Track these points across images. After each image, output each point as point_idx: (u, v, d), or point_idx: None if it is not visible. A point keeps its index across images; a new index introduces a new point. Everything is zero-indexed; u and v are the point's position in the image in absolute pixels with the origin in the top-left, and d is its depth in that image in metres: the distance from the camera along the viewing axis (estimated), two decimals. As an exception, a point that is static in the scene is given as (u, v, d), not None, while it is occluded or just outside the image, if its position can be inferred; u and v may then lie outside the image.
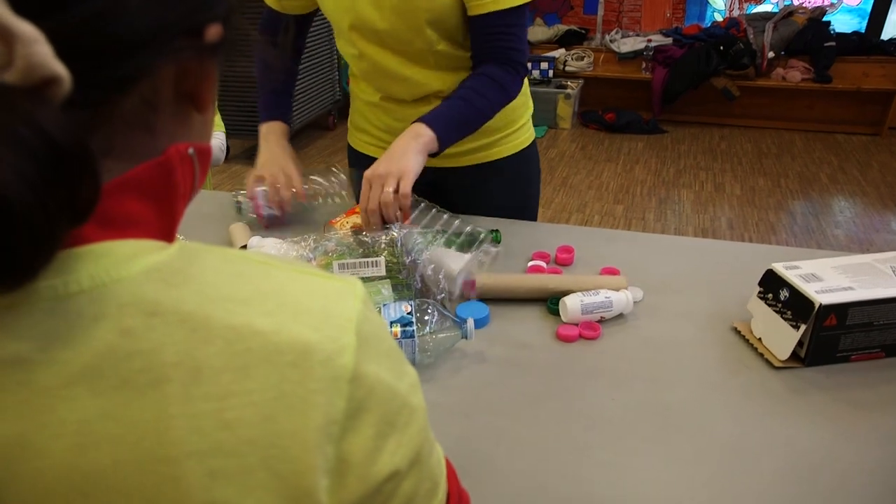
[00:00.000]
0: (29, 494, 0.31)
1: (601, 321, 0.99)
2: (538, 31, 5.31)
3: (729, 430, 0.78)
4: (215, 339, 0.34)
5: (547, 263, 1.16)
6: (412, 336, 0.83)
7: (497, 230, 1.19)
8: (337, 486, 0.35)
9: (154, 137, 0.38)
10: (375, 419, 0.37)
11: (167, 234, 0.38)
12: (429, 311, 0.86)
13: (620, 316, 1.01)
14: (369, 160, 1.39)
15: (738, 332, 0.96)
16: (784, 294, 0.90)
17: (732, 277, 1.12)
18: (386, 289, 0.93)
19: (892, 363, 0.89)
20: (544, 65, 5.03)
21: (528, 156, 1.40)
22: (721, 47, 4.60)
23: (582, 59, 5.09)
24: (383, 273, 0.96)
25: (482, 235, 1.07)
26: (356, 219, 1.18)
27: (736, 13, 5.08)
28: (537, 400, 0.83)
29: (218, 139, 1.91)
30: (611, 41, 5.08)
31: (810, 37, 4.59)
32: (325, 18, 1.30)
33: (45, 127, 0.28)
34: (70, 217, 0.30)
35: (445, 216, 1.18)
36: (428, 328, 0.84)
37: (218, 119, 1.93)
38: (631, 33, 5.11)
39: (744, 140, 4.62)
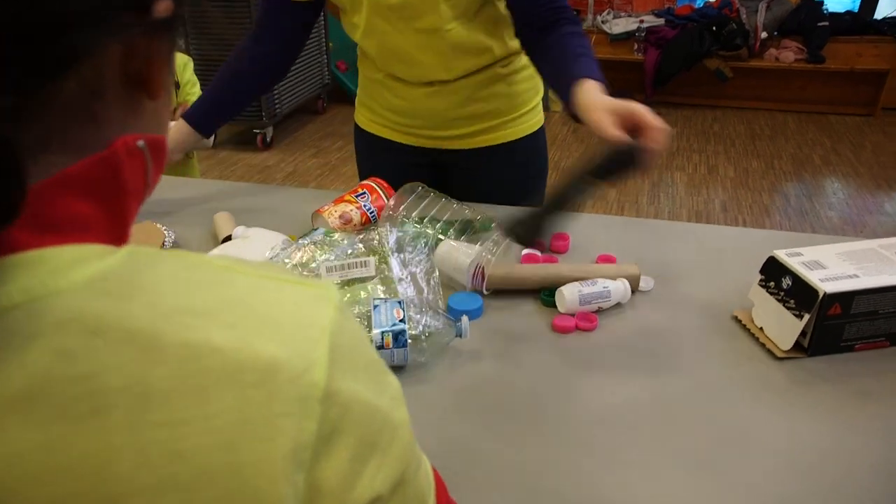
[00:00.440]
0: None
1: (598, 311, 0.96)
2: (529, 12, 5.23)
3: (730, 424, 0.76)
4: (167, 359, 0.30)
5: (542, 252, 1.13)
6: (405, 345, 0.80)
7: (490, 220, 1.16)
8: None
9: (100, 128, 0.34)
10: (352, 441, 0.33)
11: (117, 238, 0.34)
12: (422, 308, 0.82)
13: (618, 305, 0.98)
14: (372, 138, 1.37)
15: (738, 321, 0.94)
16: (786, 282, 0.88)
17: (732, 264, 1.09)
18: (376, 289, 0.89)
19: (897, 352, 0.87)
20: (536, 46, 4.96)
21: (536, 140, 1.35)
22: (714, 28, 4.55)
23: (574, 40, 5.02)
24: (373, 273, 0.92)
25: (492, 224, 1.04)
26: (345, 207, 1.14)
27: (729, -7, 5.02)
28: (533, 396, 0.80)
29: None
30: (602, 22, 5.01)
31: (803, 16, 4.55)
32: None
33: None
34: None
35: (442, 200, 1.14)
36: (421, 327, 0.81)
37: None
38: (623, 14, 5.05)
39: (737, 122, 4.59)
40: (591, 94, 0.92)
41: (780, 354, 0.86)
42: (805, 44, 4.57)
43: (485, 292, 0.98)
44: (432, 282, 0.94)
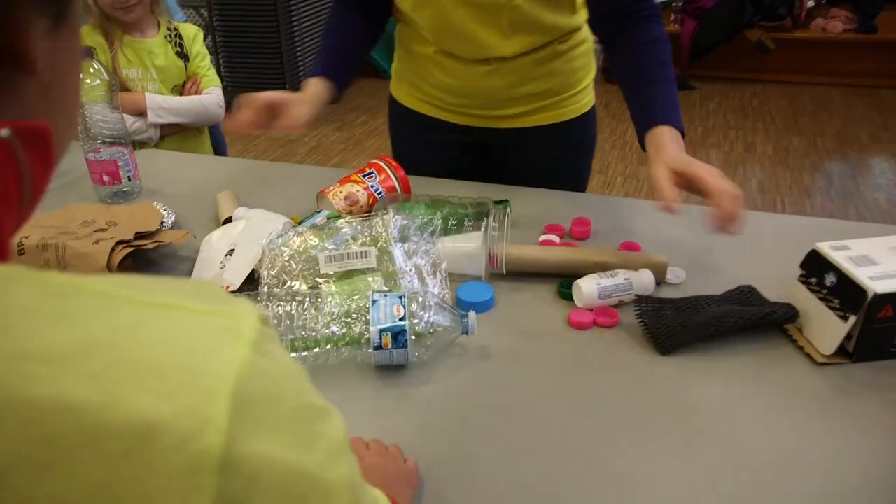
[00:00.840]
0: None
1: (619, 306, 0.89)
2: (562, -19, 5.04)
3: (763, 437, 0.68)
4: (5, 424, 0.23)
5: (560, 237, 1.05)
6: (405, 345, 0.73)
7: (506, 200, 1.08)
8: None
9: None
10: None
11: None
12: (426, 302, 0.75)
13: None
14: (411, 114, 1.28)
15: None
16: (830, 279, 0.79)
17: (769, 256, 1.00)
18: (377, 282, 0.83)
19: (955, 359, 0.78)
20: (567, 17, 4.78)
21: (586, 121, 1.26)
22: (756, -4, 4.32)
23: (607, 10, 4.83)
24: (374, 265, 0.85)
25: (489, 208, 0.96)
26: (351, 188, 1.08)
27: (774, -41, 4.75)
28: (545, 399, 0.74)
29: (215, 94, 1.81)
30: (638, -9, 4.80)
31: (854, -16, 4.29)
32: None
33: None
34: None
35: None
36: (424, 323, 0.74)
37: (213, 73, 1.82)
38: (660, -18, 4.82)
39: (778, 96, 4.37)
40: (660, 144, 0.93)
41: (820, 359, 0.78)
42: (855, 12, 4.31)
43: (503, 272, 0.92)
44: (439, 274, 0.87)
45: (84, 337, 0.25)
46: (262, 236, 0.96)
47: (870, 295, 0.73)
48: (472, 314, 0.76)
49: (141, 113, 1.71)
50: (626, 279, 0.89)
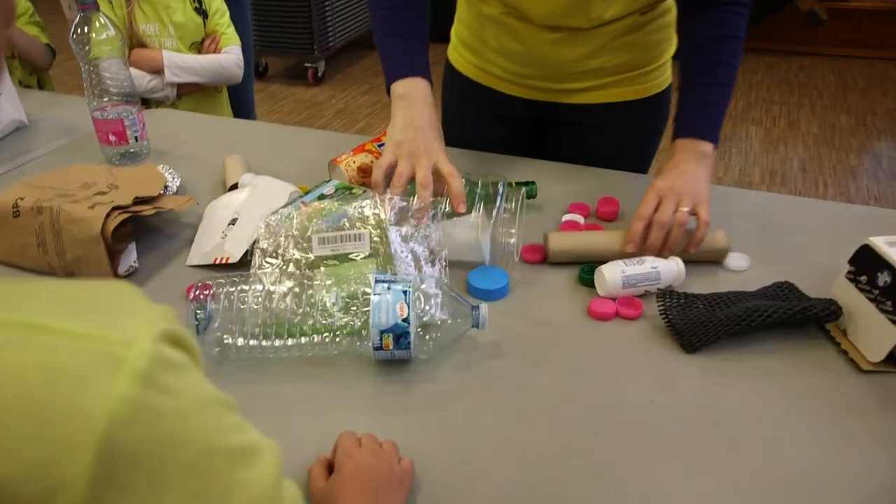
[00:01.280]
0: None
1: (644, 296, 0.82)
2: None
3: (800, 453, 0.62)
4: None
5: (585, 218, 0.98)
6: (407, 347, 0.67)
7: (533, 182, 1.00)
8: None
9: None
10: None
11: None
12: (433, 292, 0.68)
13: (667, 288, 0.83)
14: (468, 84, 1.19)
15: (816, 319, 0.77)
16: (884, 279, 0.71)
17: (812, 247, 0.92)
18: (371, 271, 0.76)
19: None
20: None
21: (660, 101, 1.15)
22: (811, -37, 4.07)
23: (650, -26, 4.61)
24: (367, 250, 0.79)
25: (500, 188, 0.88)
26: (364, 158, 1.01)
27: (832, -78, 4.46)
28: (556, 398, 0.68)
29: (234, 53, 1.74)
30: (684, -46, 4.56)
31: (919, -49, 4.00)
32: None
33: None
34: None
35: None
36: (430, 315, 0.67)
37: (232, 31, 1.76)
38: (708, -55, 4.58)
39: (827, 71, 4.15)
40: (672, 158, 0.91)
41: (866, 367, 0.71)
42: (917, -17, 4.04)
43: (515, 259, 0.86)
44: (438, 263, 0.80)
45: None
46: (267, 205, 0.90)
47: (929, 299, 0.65)
48: (483, 307, 0.70)
49: (158, 71, 1.66)
50: (653, 267, 0.82)
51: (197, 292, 0.67)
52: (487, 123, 1.20)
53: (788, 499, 0.58)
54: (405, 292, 0.66)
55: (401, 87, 0.96)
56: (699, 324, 0.74)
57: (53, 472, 0.20)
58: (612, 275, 0.80)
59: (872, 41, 4.27)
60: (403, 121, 0.92)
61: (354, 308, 0.67)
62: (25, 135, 1.28)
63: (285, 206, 0.89)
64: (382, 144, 1.03)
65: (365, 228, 0.79)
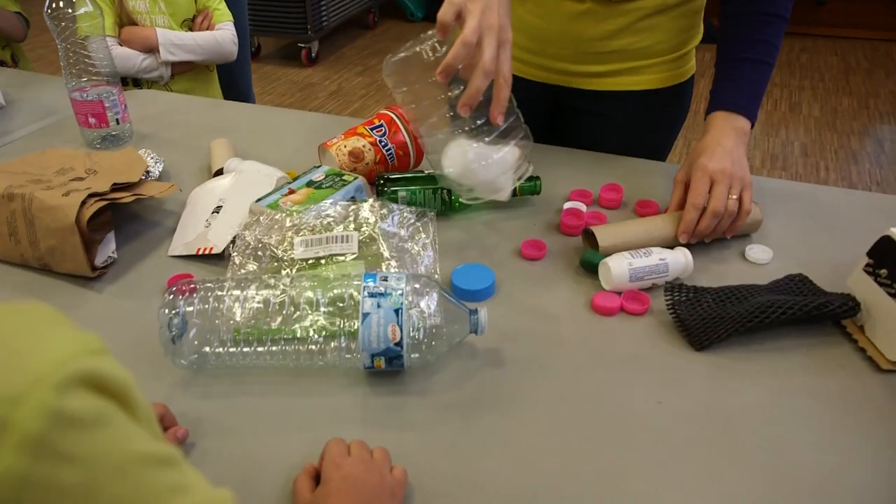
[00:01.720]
0: None
1: (650, 289, 0.78)
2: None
3: (815, 458, 0.58)
4: None
5: (587, 205, 0.94)
6: (401, 366, 0.63)
7: (537, 178, 0.94)
8: None
9: None
10: None
11: None
12: (427, 292, 0.63)
13: (675, 281, 0.79)
14: None
15: (831, 314, 0.74)
16: (906, 272, 0.67)
17: (829, 237, 0.88)
18: (358, 271, 0.71)
19: None
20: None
21: (682, 92, 1.10)
22: (815, -59, 3.99)
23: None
24: (355, 251, 0.74)
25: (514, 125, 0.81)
26: (356, 142, 0.97)
27: None
28: (558, 399, 0.64)
29: (228, 30, 1.68)
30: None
31: (925, -70, 3.93)
32: None
33: None
34: None
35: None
36: (425, 322, 0.62)
37: (224, 7, 1.69)
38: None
39: (829, 53, 4.09)
40: (706, 134, 0.87)
41: (885, 365, 0.67)
42: (922, -37, 3.96)
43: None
44: (426, 259, 0.75)
45: None
46: (253, 192, 0.86)
47: (955, 296, 0.61)
48: (483, 311, 0.65)
49: (151, 49, 1.60)
50: (661, 259, 0.78)
51: (171, 297, 0.62)
52: None
53: (798, 501, 0.54)
54: (397, 311, 0.60)
55: None
56: (709, 320, 0.70)
57: None
58: (618, 267, 0.76)
59: (875, 22, 4.21)
60: None
61: (341, 321, 0.61)
62: (1, 116, 1.22)
63: (272, 192, 0.84)
64: (375, 127, 0.98)
65: (354, 230, 0.74)
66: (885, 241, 0.70)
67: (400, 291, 0.61)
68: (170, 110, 1.27)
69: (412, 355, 0.61)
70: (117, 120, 1.09)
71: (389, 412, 0.63)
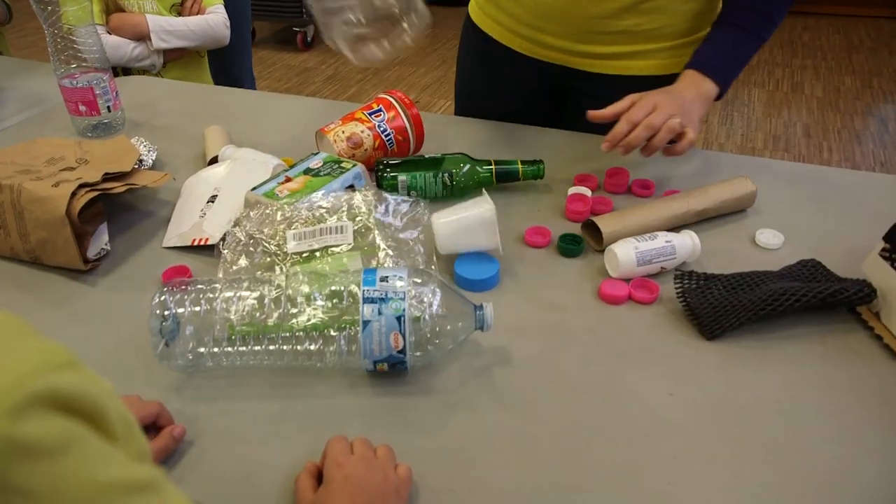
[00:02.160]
0: None
1: (659, 274, 0.76)
2: None
3: (832, 449, 0.57)
4: None
5: (593, 191, 0.91)
6: (405, 370, 0.61)
7: (541, 161, 0.91)
8: None
9: None
10: None
11: None
12: (430, 289, 0.60)
13: (685, 266, 0.77)
14: (485, 41, 1.08)
15: (845, 300, 0.72)
16: (924, 257, 0.65)
17: (840, 221, 0.85)
18: (354, 262, 0.69)
19: None
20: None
21: None
22: (818, -83, 3.92)
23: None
24: (350, 241, 0.71)
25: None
26: (354, 127, 0.94)
27: None
28: (566, 393, 0.62)
29: (220, 14, 1.64)
30: None
31: None
32: None
33: None
34: None
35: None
36: (428, 316, 0.59)
37: None
38: None
39: (832, 31, 4.03)
40: (672, 85, 0.87)
41: (902, 353, 0.65)
42: (926, -62, 3.90)
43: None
44: (422, 248, 0.73)
45: None
46: (249, 180, 0.83)
47: (977, 281, 0.59)
48: (488, 307, 0.62)
49: (142, 37, 1.56)
50: (667, 241, 0.76)
51: (163, 297, 0.59)
52: (502, 86, 1.11)
53: (820, 499, 0.52)
54: (399, 318, 0.57)
55: None
56: (720, 308, 0.68)
57: None
58: (625, 253, 0.73)
59: (879, 0, 4.15)
60: None
61: (340, 326, 0.58)
62: (-9, 105, 1.19)
63: (268, 181, 0.82)
64: (373, 112, 0.96)
65: (348, 220, 0.72)
66: (902, 224, 0.68)
67: (401, 295, 0.58)
68: (163, 97, 1.24)
69: (415, 353, 0.59)
70: (108, 107, 1.06)
71: (393, 412, 0.61)
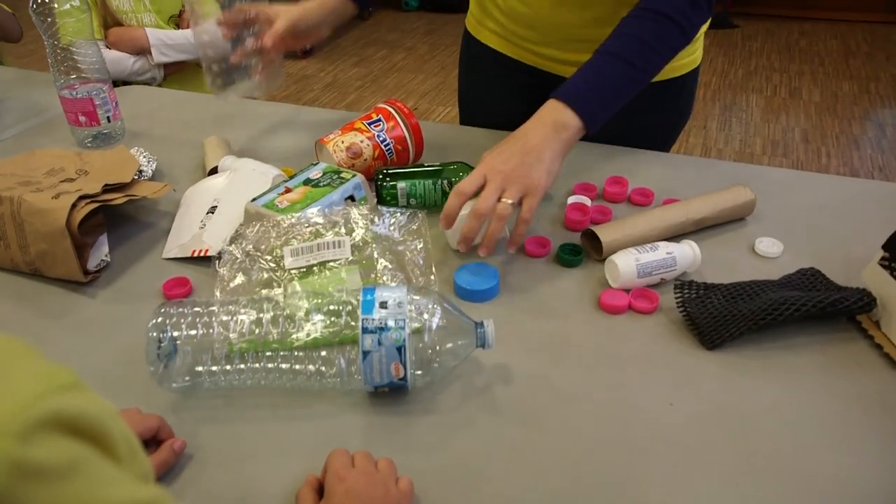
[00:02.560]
0: None
1: (658, 285, 0.76)
2: None
3: (833, 459, 0.56)
4: None
5: (592, 199, 0.91)
6: (407, 390, 0.61)
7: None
8: None
9: None
10: None
11: None
12: (429, 307, 0.59)
13: (684, 276, 0.77)
14: (480, 48, 1.10)
15: (845, 309, 0.72)
16: (923, 266, 0.65)
17: (840, 229, 0.85)
18: (352, 276, 0.69)
19: None
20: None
21: (687, 82, 1.04)
22: (814, -77, 3.94)
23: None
24: (348, 255, 0.71)
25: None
26: (354, 137, 0.94)
27: None
28: (568, 404, 0.62)
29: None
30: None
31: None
32: None
33: None
34: None
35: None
36: (428, 336, 0.58)
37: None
38: None
39: (829, 36, 4.05)
40: (527, 122, 0.79)
41: (902, 362, 0.65)
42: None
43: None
44: (420, 261, 0.73)
45: None
46: (248, 191, 0.84)
47: (976, 291, 0.59)
48: (489, 325, 0.61)
49: (141, 51, 1.56)
50: (668, 253, 0.76)
51: (159, 320, 0.59)
52: (501, 90, 1.12)
53: (824, 513, 0.53)
54: (399, 349, 0.56)
55: None
56: (720, 318, 0.68)
57: None
58: (625, 264, 0.73)
59: (875, 5, 4.18)
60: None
61: (343, 339, 0.58)
62: (-10, 115, 1.19)
63: (268, 191, 0.82)
64: (372, 122, 0.96)
65: (346, 235, 0.72)
66: (901, 233, 0.68)
67: (401, 324, 0.57)
68: (162, 107, 1.24)
69: (416, 372, 0.59)
70: (108, 118, 1.06)
71: (393, 417, 0.61)
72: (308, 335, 0.58)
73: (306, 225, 0.73)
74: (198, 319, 0.58)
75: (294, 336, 0.58)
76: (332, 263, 0.70)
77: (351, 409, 0.61)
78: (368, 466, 0.52)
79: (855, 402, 0.62)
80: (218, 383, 0.60)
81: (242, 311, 0.59)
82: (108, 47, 1.55)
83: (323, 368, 0.58)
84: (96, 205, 0.78)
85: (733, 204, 0.85)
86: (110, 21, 1.56)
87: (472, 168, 0.89)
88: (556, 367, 0.66)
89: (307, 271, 0.69)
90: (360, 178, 0.84)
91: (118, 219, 0.88)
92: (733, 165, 1.05)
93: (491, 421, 0.60)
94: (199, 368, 0.58)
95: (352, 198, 0.83)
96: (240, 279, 0.70)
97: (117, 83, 1.57)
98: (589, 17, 0.96)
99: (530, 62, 1.06)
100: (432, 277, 0.72)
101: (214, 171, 0.94)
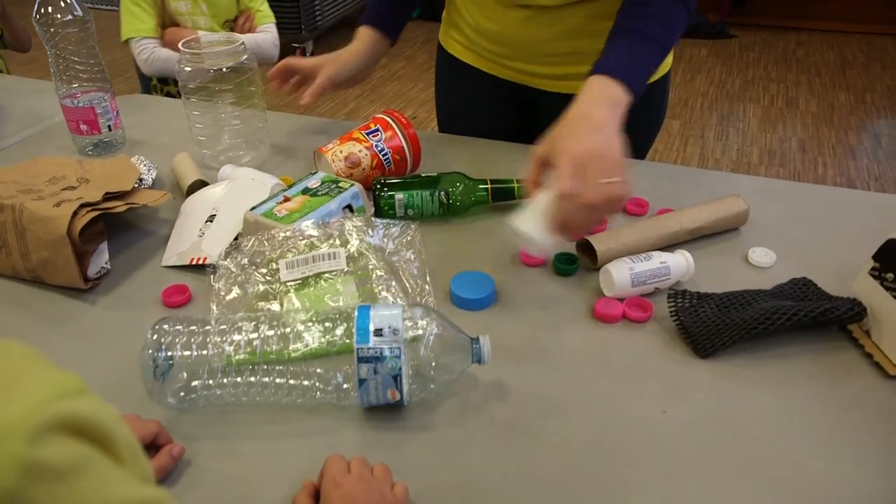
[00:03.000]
0: None
1: (652, 295, 0.77)
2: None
3: (823, 467, 0.57)
4: None
5: (588, 209, 0.92)
6: (404, 406, 0.62)
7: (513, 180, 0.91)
8: None
9: None
10: None
11: None
12: (424, 322, 0.60)
13: (678, 285, 0.78)
14: (456, 64, 1.13)
15: (836, 318, 0.73)
16: (913, 276, 0.66)
17: (833, 239, 0.86)
18: (348, 287, 0.69)
19: None
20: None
21: (659, 88, 1.07)
22: (810, -65, 3.98)
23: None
24: (343, 266, 0.72)
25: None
26: (352, 147, 0.95)
27: None
28: (561, 412, 0.63)
29: (270, 33, 1.65)
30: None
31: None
32: None
33: None
34: None
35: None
36: (423, 350, 0.59)
37: (266, 7, 1.67)
38: (704, -82, 4.47)
39: (825, 47, 4.08)
40: (577, 103, 0.75)
41: (892, 371, 0.66)
42: (917, -44, 3.96)
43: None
44: (414, 271, 0.73)
45: None
46: (247, 200, 0.84)
47: (964, 301, 0.60)
48: (486, 340, 0.62)
49: None
50: (662, 262, 0.77)
51: (154, 337, 0.59)
52: (479, 104, 1.14)
53: (815, 521, 0.53)
54: (395, 377, 0.57)
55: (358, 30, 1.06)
56: (713, 327, 0.69)
57: None
58: (619, 273, 0.74)
59: (871, 16, 4.21)
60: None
61: (340, 349, 0.58)
62: (-8, 123, 1.20)
63: (266, 200, 0.83)
64: (370, 132, 0.97)
65: (340, 246, 0.72)
66: (891, 244, 0.69)
67: (396, 353, 0.57)
68: (161, 115, 1.25)
69: (411, 387, 0.60)
70: (109, 126, 1.07)
71: (389, 426, 0.61)
72: (306, 346, 0.58)
73: (301, 237, 0.74)
74: (192, 339, 0.59)
75: (292, 347, 0.58)
76: (327, 275, 0.70)
77: (347, 424, 0.62)
78: (364, 472, 0.52)
79: (846, 410, 0.63)
80: (213, 399, 0.60)
81: (239, 325, 0.60)
82: (162, 46, 1.58)
83: (318, 384, 0.59)
84: (97, 213, 0.79)
85: (727, 214, 0.86)
86: (168, 22, 1.58)
87: (468, 178, 0.90)
88: (550, 375, 0.67)
89: (303, 283, 0.70)
90: (358, 187, 0.85)
91: (118, 226, 0.89)
92: (727, 175, 1.06)
93: (486, 433, 0.61)
94: (195, 383, 0.58)
95: (350, 207, 0.84)
96: (235, 292, 0.70)
97: (168, 80, 1.59)
98: (557, 30, 0.97)
99: (504, 76, 1.09)
100: (427, 287, 0.73)
101: (193, 188, 0.93)
